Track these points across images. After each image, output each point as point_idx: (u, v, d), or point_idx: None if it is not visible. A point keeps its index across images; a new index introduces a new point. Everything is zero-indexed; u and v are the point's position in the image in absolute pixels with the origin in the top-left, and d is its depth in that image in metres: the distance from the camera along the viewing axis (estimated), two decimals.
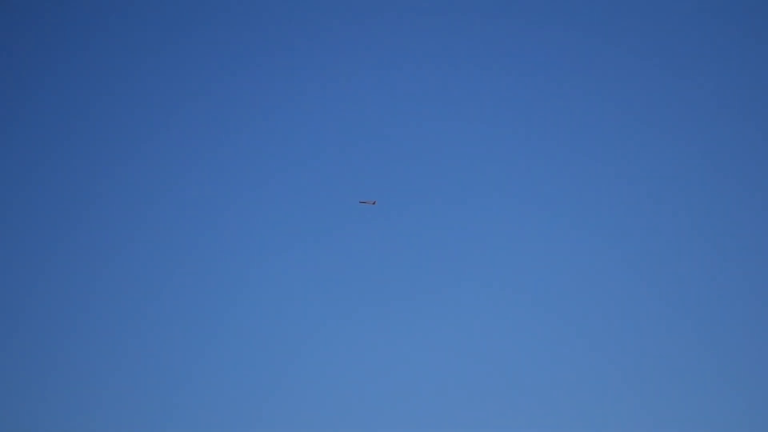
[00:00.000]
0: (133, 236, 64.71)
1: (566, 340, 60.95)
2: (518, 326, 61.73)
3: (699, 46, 68.44)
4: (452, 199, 66.03)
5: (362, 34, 69.72)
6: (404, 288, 63.20)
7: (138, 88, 69.03)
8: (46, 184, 66.10)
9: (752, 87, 67.25)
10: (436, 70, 69.15)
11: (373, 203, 61.26)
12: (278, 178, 67.05)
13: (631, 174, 66.06)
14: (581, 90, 68.21)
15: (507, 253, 64.28)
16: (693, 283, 62.64)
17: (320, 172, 66.92)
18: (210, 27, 69.95)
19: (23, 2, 69.40)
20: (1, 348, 60.32)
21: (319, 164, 67.18)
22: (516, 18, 69.34)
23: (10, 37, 68.97)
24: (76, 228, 64.97)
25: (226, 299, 62.73)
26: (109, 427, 58.12)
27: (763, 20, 67.85)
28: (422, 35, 69.48)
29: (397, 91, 68.98)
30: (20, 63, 68.60)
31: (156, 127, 68.33)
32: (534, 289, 62.91)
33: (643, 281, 62.80)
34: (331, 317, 62.27)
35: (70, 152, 67.45)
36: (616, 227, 64.77)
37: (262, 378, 60.10)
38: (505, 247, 64.51)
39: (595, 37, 69.04)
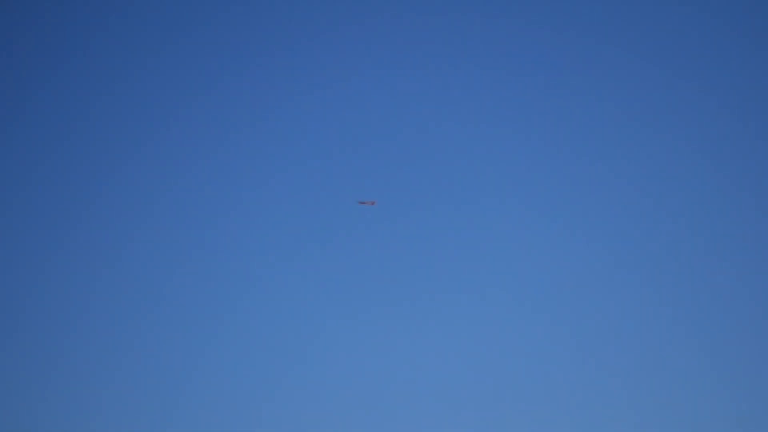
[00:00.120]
0: (133, 237, 64.86)
1: (569, 342, 61.13)
2: (521, 327, 61.91)
3: (699, 48, 68.57)
4: (453, 200, 66.21)
5: (363, 34, 69.81)
6: (405, 289, 63.37)
7: (138, 88, 69.20)
8: (46, 184, 66.30)
9: (752, 88, 67.35)
10: (437, 70, 69.30)
11: (373, 203, 61.22)
12: (278, 178, 67.17)
13: (636, 177, 66.18)
14: (585, 92, 68.38)
15: (509, 254, 64.42)
16: (693, 285, 62.83)
17: (320, 173, 67.15)
18: (211, 27, 70.10)
19: (23, 2, 69.53)
20: (1, 348, 60.52)
21: (320, 165, 67.38)
22: (518, 18, 69.49)
23: (10, 37, 69.15)
24: (77, 228, 65.10)
25: (226, 300, 62.89)
26: (110, 427, 58.23)
27: (763, 20, 67.95)
28: (424, 35, 69.62)
29: (398, 91, 69.08)
30: (20, 63, 68.74)
31: (157, 127, 68.55)
32: (537, 290, 63.09)
33: (648, 286, 62.89)
34: (332, 318, 62.45)
35: (70, 152, 67.62)
36: (620, 230, 64.95)
37: (263, 379, 60.29)
38: (507, 248, 64.62)
39: (598, 38, 69.19)
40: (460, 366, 60.35)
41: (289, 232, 65.35)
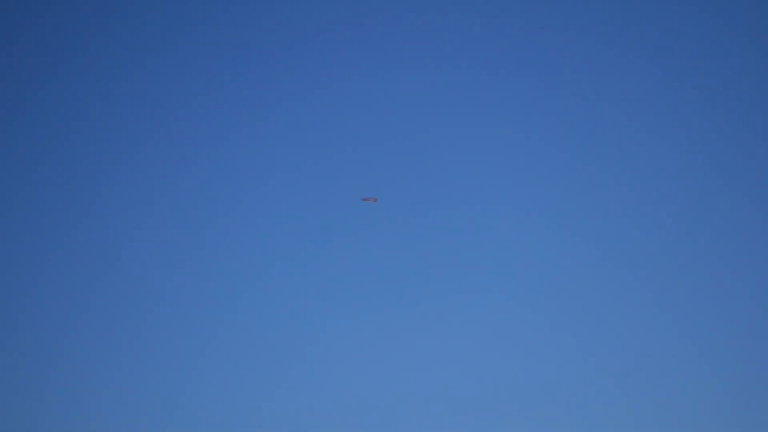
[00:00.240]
0: (134, 236, 64.84)
1: (572, 344, 61.18)
2: (524, 328, 61.94)
3: (698, 48, 68.55)
4: (454, 201, 66.20)
5: (366, 35, 69.81)
6: (407, 289, 63.37)
7: (139, 88, 69.15)
8: (46, 184, 66.26)
9: (752, 89, 67.38)
10: (440, 69, 69.29)
11: (375, 200, 61.24)
12: (279, 177, 67.16)
13: (641, 179, 66.14)
14: (588, 93, 68.39)
15: (512, 255, 64.45)
16: (693, 286, 62.91)
17: (322, 173, 67.10)
18: (216, 25, 70.06)
19: (23, 2, 69.51)
20: (1, 348, 60.51)
21: (321, 163, 67.35)
22: (521, 18, 69.46)
23: (10, 37, 69.14)
24: (77, 228, 65.08)
25: (227, 299, 62.93)
26: (110, 427, 58.23)
27: (762, 21, 67.93)
28: (428, 35, 69.62)
29: (400, 89, 69.08)
30: (20, 63, 68.70)
31: (159, 126, 68.52)
32: (540, 292, 63.13)
33: (650, 288, 62.93)
34: (333, 318, 62.47)
35: (70, 152, 67.60)
36: (621, 231, 64.92)
37: (265, 380, 60.36)
38: (509, 249, 64.65)
39: (602, 39, 69.18)
40: (463, 367, 60.50)
41: (290, 231, 65.48)
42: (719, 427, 57.63)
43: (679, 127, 67.17)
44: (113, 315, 61.92)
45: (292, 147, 67.81)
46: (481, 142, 67.56)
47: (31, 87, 68.34)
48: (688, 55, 68.30)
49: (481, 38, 69.28)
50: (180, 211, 65.88)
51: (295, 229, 65.30)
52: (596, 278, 63.11)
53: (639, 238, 64.20)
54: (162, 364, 60.44)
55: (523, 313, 62.14)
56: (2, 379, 59.21)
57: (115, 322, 61.69)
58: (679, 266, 63.29)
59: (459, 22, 69.30)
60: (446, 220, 65.36)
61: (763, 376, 59.03)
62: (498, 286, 62.99)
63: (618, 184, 65.95)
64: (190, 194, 66.34)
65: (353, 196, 63.41)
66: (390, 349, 61.28)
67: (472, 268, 63.76)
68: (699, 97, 67.49)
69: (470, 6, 69.54)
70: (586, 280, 62.97)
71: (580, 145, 67.12)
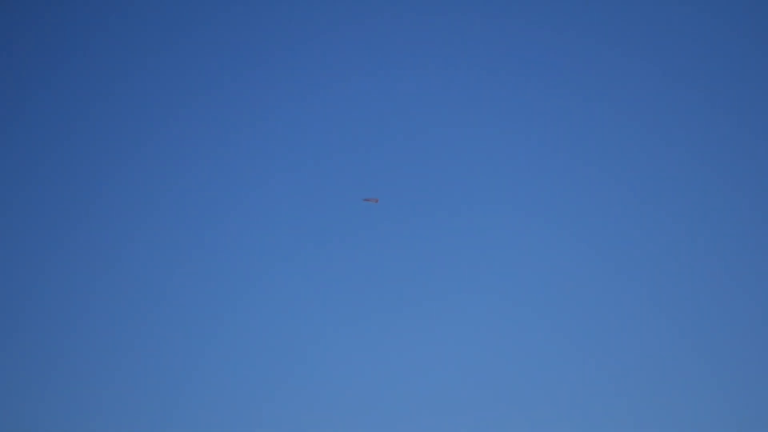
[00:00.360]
0: (134, 237, 64.85)
1: (575, 346, 61.23)
2: (527, 330, 62.03)
3: (698, 49, 68.65)
4: (458, 202, 66.29)
5: (368, 34, 69.83)
6: (408, 291, 63.49)
7: (140, 88, 69.19)
8: (46, 184, 66.28)
9: (753, 90, 67.45)
10: (442, 70, 69.33)
11: (376, 201, 61.25)
12: (280, 178, 67.23)
13: (646, 182, 66.23)
14: (592, 94, 68.45)
15: (515, 256, 64.45)
16: (693, 288, 62.94)
17: (323, 173, 67.10)
18: (216, 26, 70.10)
19: (23, 2, 69.50)
20: (1, 348, 60.49)
21: (323, 164, 67.34)
22: (526, 20, 69.51)
23: (10, 37, 69.12)
24: (77, 228, 65.11)
25: (229, 300, 63.00)
26: (110, 427, 58.25)
27: (762, 22, 67.99)
28: (431, 35, 69.68)
29: (403, 89, 69.13)
30: (20, 63, 68.69)
31: (159, 127, 68.56)
32: (543, 293, 63.20)
33: (652, 290, 63.05)
34: (334, 319, 62.55)
35: (70, 152, 67.62)
36: (623, 233, 64.99)
37: (266, 381, 60.41)
38: (512, 250, 64.72)
39: (603, 40, 69.24)
40: (465, 368, 60.55)
41: (291, 231, 65.51)
42: (719, 427, 57.69)
43: (681, 128, 67.37)
44: (114, 315, 62.11)
45: (293, 147, 67.95)
46: (483, 142, 67.74)
47: (31, 87, 68.50)
48: (688, 55, 68.50)
49: (485, 38, 69.45)
50: (182, 211, 66.06)
51: (296, 230, 65.41)
52: (599, 280, 63.31)
53: (643, 241, 64.37)
54: (162, 365, 60.61)
55: (525, 315, 62.30)
56: (2, 379, 59.23)
57: (115, 322, 61.87)
58: (680, 267, 63.46)
59: (463, 22, 69.41)
60: (448, 221, 65.54)
61: (762, 377, 59.10)
62: (500, 288, 63.14)
63: (621, 185, 66.11)
64: (191, 194, 66.52)
65: (355, 197, 63.47)
66: (391, 349, 61.50)
67: (474, 269, 63.91)
68: (699, 98, 67.66)
69: (474, 6, 69.62)
70: (590, 282, 63.17)
71: (584, 147, 67.29)
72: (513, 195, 65.96)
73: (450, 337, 61.59)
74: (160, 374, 60.03)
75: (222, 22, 69.87)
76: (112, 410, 58.72)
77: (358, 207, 63.52)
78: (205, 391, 59.61)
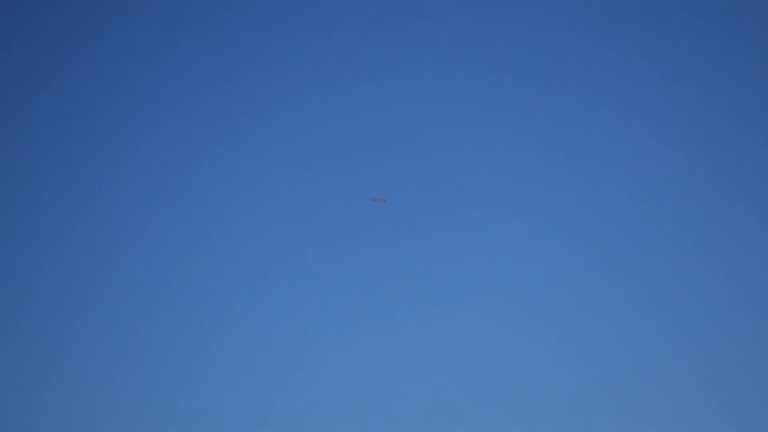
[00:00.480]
0: (138, 238, 64.92)
1: (578, 348, 61.35)
2: (532, 331, 62.04)
3: (697, 50, 68.71)
4: (463, 203, 66.30)
5: (379, 36, 69.94)
6: (413, 292, 63.51)
7: (159, 86, 69.20)
8: (46, 184, 66.24)
9: (752, 91, 67.42)
10: (452, 72, 69.40)
11: (384, 201, 61.15)
12: (287, 178, 67.25)
13: (648, 183, 66.19)
14: (596, 95, 68.49)
15: (519, 258, 64.49)
16: (693, 289, 63.08)
17: (326, 174, 67.10)
18: (224, 24, 70.12)
19: (23, 2, 69.44)
20: (1, 348, 60.32)
21: (330, 164, 67.40)
22: (531, 19, 69.54)
23: (10, 37, 69.05)
24: (77, 228, 65.08)
25: (233, 302, 63.04)
26: (110, 427, 58.09)
27: (762, 22, 68.03)
28: (441, 36, 69.73)
29: (412, 90, 69.21)
30: (20, 63, 68.63)
31: (159, 127, 68.47)
32: (547, 294, 63.19)
33: (654, 293, 63.13)
34: (340, 320, 62.61)
35: (70, 152, 67.59)
36: (625, 235, 64.97)
37: (267, 382, 60.38)
38: (516, 252, 64.77)
39: (613, 43, 69.32)
40: (467, 368, 60.64)
41: (298, 231, 65.59)
42: (719, 427, 57.74)
43: (681, 130, 67.39)
44: (117, 315, 62.18)
45: (301, 147, 67.99)
46: (490, 145, 67.81)
47: (31, 87, 68.44)
48: (688, 55, 68.59)
49: (494, 42, 69.52)
50: (187, 211, 66.16)
51: (301, 230, 65.49)
52: (607, 284, 63.44)
53: (648, 246, 64.40)
54: (164, 365, 60.59)
55: (530, 318, 62.36)
56: (2, 379, 59.05)
57: (118, 322, 61.98)
58: (684, 271, 63.64)
59: (475, 25, 69.53)
60: (452, 223, 65.56)
61: (762, 377, 59.09)
62: (505, 291, 63.24)
63: (628, 190, 66.15)
64: (198, 195, 66.58)
65: (360, 197, 63.41)
66: (392, 350, 61.58)
67: (479, 272, 63.99)
68: (700, 100, 67.73)
69: (486, 10, 69.71)
70: (597, 285, 63.28)
71: (596, 152, 67.39)
72: (519, 198, 66.19)
73: (453, 338, 61.85)
74: (165, 374, 60.19)
75: (234, 20, 70.04)
76: (112, 410, 58.90)
77: (358, 207, 63.78)
78: (206, 392, 59.80)
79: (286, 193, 66.26)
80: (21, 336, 60.82)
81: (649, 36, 68.69)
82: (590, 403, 58.92)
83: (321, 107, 68.51)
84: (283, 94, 68.99)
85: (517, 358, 60.76)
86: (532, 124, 67.73)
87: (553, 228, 64.91)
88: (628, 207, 65.37)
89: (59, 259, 63.64)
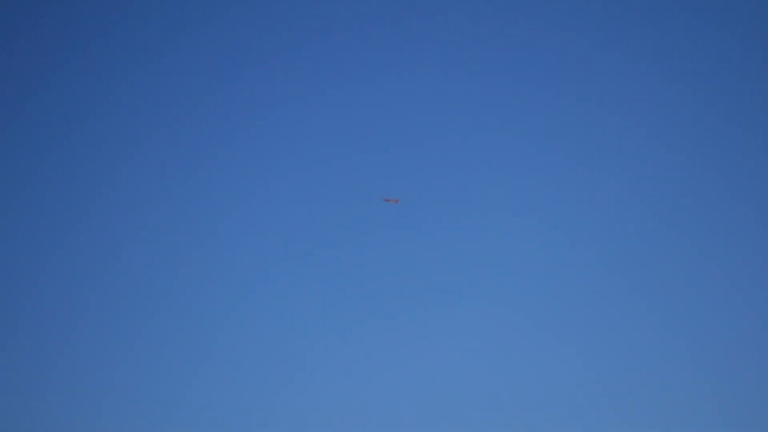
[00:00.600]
0: (139, 237, 64.90)
1: (579, 348, 61.32)
2: (534, 332, 62.00)
3: (697, 50, 68.72)
4: (461, 203, 66.23)
5: (388, 37, 69.98)
6: (413, 292, 63.45)
7: (160, 86, 69.21)
8: (46, 184, 66.24)
9: (752, 92, 67.46)
10: (462, 74, 69.43)
11: (396, 201, 61.17)
12: (288, 179, 67.20)
13: (649, 184, 66.22)
14: (599, 97, 68.47)
15: (523, 259, 64.43)
16: (692, 290, 63.02)
17: (329, 174, 67.16)
18: (227, 24, 70.10)
19: (23, 2, 69.49)
20: (1, 348, 60.33)
21: (330, 165, 67.40)
22: (536, 19, 69.58)
23: (10, 37, 69.09)
24: (77, 228, 65.05)
25: (233, 302, 62.94)
26: (110, 428, 58.07)
27: (761, 23, 68.08)
28: (445, 37, 69.73)
29: (412, 90, 69.17)
30: (20, 63, 68.65)
31: (160, 127, 68.43)
32: (549, 295, 63.14)
33: (655, 294, 63.10)
34: (339, 321, 62.48)
35: (70, 152, 67.57)
36: (627, 236, 64.93)
37: (268, 383, 60.32)
38: (517, 252, 64.69)
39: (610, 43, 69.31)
40: (468, 369, 60.57)
41: (298, 232, 65.59)
42: (719, 427, 57.76)
43: (684, 132, 67.46)
44: (117, 315, 62.13)
45: (301, 147, 68.04)
46: (491, 146, 67.82)
47: (31, 87, 68.46)
48: (688, 56, 68.61)
49: (494, 42, 69.59)
50: (187, 211, 66.04)
51: (304, 230, 65.55)
52: (605, 283, 63.48)
53: (653, 247, 64.36)
54: (164, 364, 60.58)
55: (532, 319, 62.37)
56: (2, 379, 59.09)
57: (119, 322, 61.93)
58: (681, 271, 63.58)
59: (475, 25, 69.58)
60: (455, 223, 65.56)
61: (762, 379, 59.15)
62: (505, 290, 63.27)
63: (626, 190, 66.16)
64: (203, 195, 66.64)
65: (374, 197, 63.43)
66: (392, 350, 61.52)
67: (480, 272, 64.02)
68: (700, 99, 67.75)
69: (501, 12, 69.83)
70: (597, 286, 63.29)
71: (593, 151, 67.40)
72: (520, 198, 66.23)
73: (453, 338, 61.82)
74: (165, 374, 60.22)
75: (239, 21, 70.11)
76: (112, 410, 58.85)
77: (358, 208, 63.89)
78: (206, 392, 59.77)
79: (286, 194, 66.46)
80: (21, 336, 60.97)
81: (649, 36, 68.87)
82: (590, 402, 59.06)
83: (321, 107, 68.74)
84: (284, 94, 69.21)
85: (518, 358, 60.95)
86: (532, 125, 67.90)
87: (554, 228, 64.97)
88: (629, 207, 65.71)
89: (59, 259, 63.76)
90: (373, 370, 60.46)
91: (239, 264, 63.91)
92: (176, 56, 69.33)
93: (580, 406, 58.81)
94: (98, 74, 68.83)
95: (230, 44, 69.65)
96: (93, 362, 60.30)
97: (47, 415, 58.18)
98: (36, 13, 69.19)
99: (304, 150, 67.71)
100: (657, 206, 65.44)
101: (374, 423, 58.27)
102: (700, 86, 67.69)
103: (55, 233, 64.44)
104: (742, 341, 60.50)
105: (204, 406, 58.95)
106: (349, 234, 64.89)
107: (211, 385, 59.77)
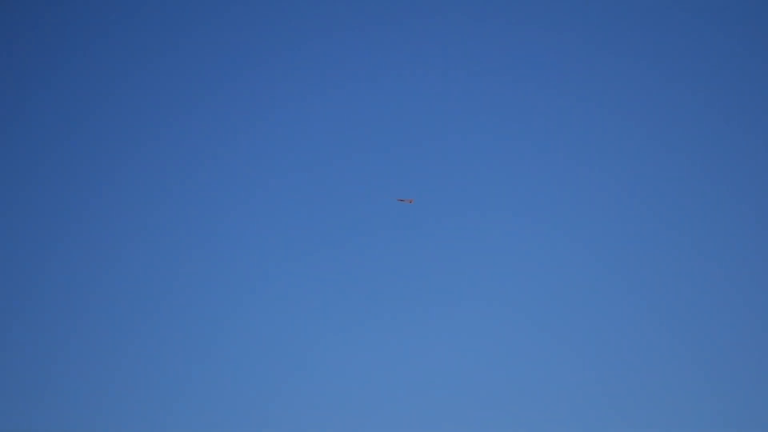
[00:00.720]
0: (139, 237, 64.87)
1: (580, 349, 61.32)
2: (536, 332, 62.00)
3: (697, 51, 68.78)
4: (464, 204, 66.22)
5: (387, 37, 69.97)
6: (415, 292, 63.45)
7: (160, 86, 69.16)
8: (46, 184, 66.21)
9: (752, 92, 67.52)
10: (450, 72, 69.34)
11: (411, 201, 61.15)
12: (288, 179, 67.20)
13: (652, 184, 66.24)
14: (602, 97, 68.48)
15: (522, 259, 64.40)
16: (692, 290, 63.02)
17: (330, 174, 67.17)
18: (227, 24, 70.08)
19: (23, 2, 69.47)
20: (1, 348, 60.26)
21: (329, 165, 67.41)
22: (539, 20, 69.59)
23: (10, 37, 69.05)
24: (77, 228, 65.00)
25: (233, 301, 62.87)
26: (110, 427, 58.01)
27: (761, 23, 68.15)
28: (449, 37, 69.75)
29: (412, 90, 69.17)
30: (20, 63, 68.61)
31: (169, 126, 68.51)
32: (551, 296, 63.15)
33: (656, 294, 63.09)
34: (340, 321, 62.47)
35: (70, 152, 67.54)
36: (628, 237, 64.93)
37: (269, 383, 60.30)
38: (519, 253, 64.63)
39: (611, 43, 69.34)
40: (469, 368, 60.58)
41: (298, 232, 65.58)
42: (719, 427, 57.80)
43: (684, 131, 67.51)
44: (117, 315, 62.09)
45: (301, 147, 68.06)
46: (491, 146, 67.86)
47: (31, 87, 68.43)
48: (688, 55, 68.68)
49: (494, 42, 69.60)
50: (187, 212, 66.00)
51: (303, 230, 65.56)
52: (605, 284, 63.48)
53: (654, 249, 64.45)
54: (164, 364, 60.56)
55: (529, 317, 62.35)
56: (2, 379, 59.05)
57: (119, 322, 61.87)
58: (681, 271, 63.62)
59: (475, 25, 69.60)
60: (456, 223, 65.58)
61: (762, 379, 59.22)
62: (506, 290, 63.27)
63: (627, 190, 66.18)
64: (203, 195, 66.60)
65: (390, 197, 63.41)
66: (392, 350, 61.48)
67: (480, 272, 64.00)
68: (700, 99, 67.81)
69: (500, 13, 69.85)
70: (598, 286, 63.29)
71: (593, 151, 67.39)
72: (520, 198, 66.24)
73: (453, 338, 61.79)
74: (165, 374, 60.20)
75: (239, 21, 70.11)
76: (112, 410, 58.78)
77: (358, 208, 63.83)
78: (206, 391, 59.75)
79: (286, 194, 66.49)
80: (21, 336, 60.88)
81: (649, 36, 68.93)
82: (590, 402, 59.05)
83: (321, 107, 68.79)
84: (284, 94, 69.24)
85: (518, 358, 60.92)
86: (532, 125, 67.94)
87: (555, 228, 64.98)
88: (630, 207, 65.73)
89: (59, 259, 63.72)
90: (374, 370, 60.53)
91: (239, 263, 63.96)
92: (176, 56, 69.45)
93: (580, 406, 58.90)
94: (98, 74, 69.00)
95: (231, 44, 69.80)
96: (93, 362, 60.38)
97: (47, 415, 58.23)
98: (36, 13, 69.26)
99: (305, 150, 67.82)
100: (659, 206, 65.59)
101: (374, 423, 58.31)
102: (700, 86, 67.90)
103: (56, 233, 64.55)
104: (742, 341, 60.62)
105: (204, 405, 58.93)
106: (350, 234, 65.01)
107: (211, 384, 59.79)
